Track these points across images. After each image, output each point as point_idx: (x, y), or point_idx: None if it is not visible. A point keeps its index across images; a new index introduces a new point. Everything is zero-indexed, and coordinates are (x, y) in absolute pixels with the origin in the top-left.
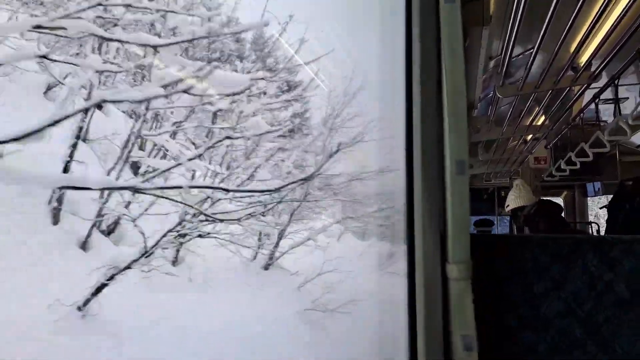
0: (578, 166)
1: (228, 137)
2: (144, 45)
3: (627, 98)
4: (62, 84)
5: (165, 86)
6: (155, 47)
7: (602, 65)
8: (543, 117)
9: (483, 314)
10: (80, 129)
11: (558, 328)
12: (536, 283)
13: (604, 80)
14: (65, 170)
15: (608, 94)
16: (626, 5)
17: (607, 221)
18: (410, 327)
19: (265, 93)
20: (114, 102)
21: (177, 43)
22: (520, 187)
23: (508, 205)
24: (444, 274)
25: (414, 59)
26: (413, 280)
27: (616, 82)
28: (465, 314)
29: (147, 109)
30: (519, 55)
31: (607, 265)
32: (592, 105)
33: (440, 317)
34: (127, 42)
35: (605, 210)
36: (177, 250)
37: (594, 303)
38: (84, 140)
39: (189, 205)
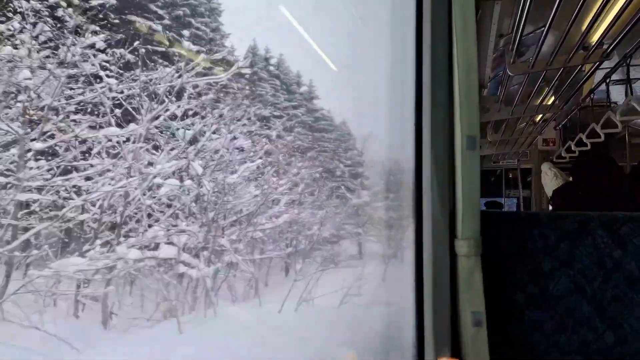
0: (589, 147)
1: None
2: None
3: (639, 79)
4: None
5: None
6: None
7: (614, 43)
8: (553, 98)
9: (491, 291)
10: None
11: (566, 305)
12: (544, 260)
13: (615, 60)
14: None
15: (619, 74)
16: None
17: None
18: (418, 302)
19: None
20: None
21: None
22: (549, 170)
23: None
24: (453, 250)
25: (424, 32)
26: (420, 256)
27: (628, 61)
28: (474, 290)
29: None
30: (529, 33)
31: (616, 242)
32: (603, 86)
33: (448, 293)
34: None
35: None
36: None
37: (602, 281)
38: None
39: None
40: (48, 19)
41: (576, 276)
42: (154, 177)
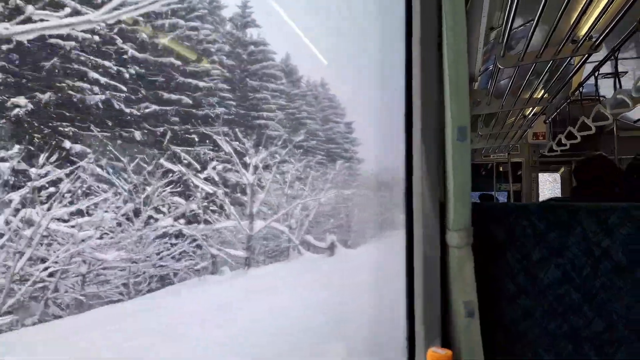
0: (579, 140)
1: None
2: None
3: (627, 72)
4: None
5: None
6: None
7: (602, 36)
8: (542, 91)
9: (482, 280)
10: None
11: (556, 294)
12: (534, 250)
13: (603, 53)
14: None
15: (607, 68)
16: None
17: None
18: (409, 294)
19: None
20: None
21: None
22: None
23: None
24: (444, 242)
25: (414, 22)
26: (411, 248)
27: (616, 54)
28: (466, 281)
29: None
30: (520, 26)
31: (604, 232)
32: (591, 80)
33: (438, 284)
34: None
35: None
36: None
37: (591, 269)
38: None
39: None
40: None
41: (566, 265)
42: None
